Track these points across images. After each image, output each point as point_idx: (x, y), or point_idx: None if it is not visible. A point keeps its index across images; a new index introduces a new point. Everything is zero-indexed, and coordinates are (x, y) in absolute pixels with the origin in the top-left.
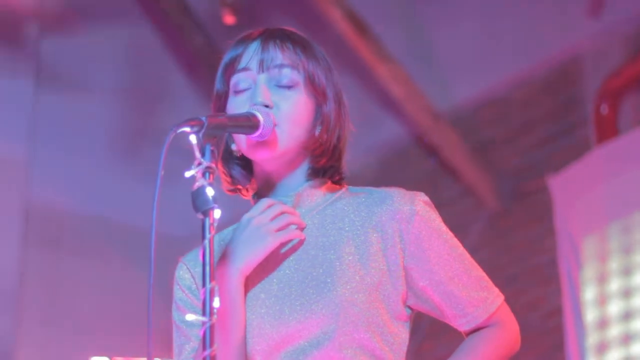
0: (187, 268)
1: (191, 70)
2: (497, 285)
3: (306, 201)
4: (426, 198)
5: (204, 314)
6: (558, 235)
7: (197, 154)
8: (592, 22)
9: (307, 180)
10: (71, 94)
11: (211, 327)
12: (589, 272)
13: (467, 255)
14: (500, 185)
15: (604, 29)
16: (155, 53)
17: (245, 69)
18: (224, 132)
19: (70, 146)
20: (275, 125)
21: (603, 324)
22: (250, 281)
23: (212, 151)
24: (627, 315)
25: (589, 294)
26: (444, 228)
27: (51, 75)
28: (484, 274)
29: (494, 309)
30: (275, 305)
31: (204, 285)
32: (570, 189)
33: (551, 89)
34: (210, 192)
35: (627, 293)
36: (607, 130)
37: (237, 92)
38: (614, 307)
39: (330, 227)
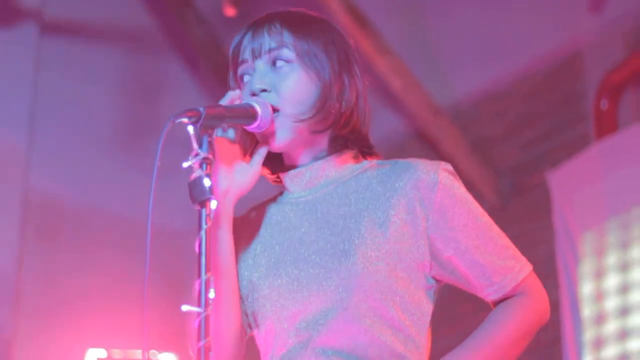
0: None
1: (192, 62)
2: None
3: (329, 172)
4: (450, 167)
5: (199, 304)
6: (556, 231)
7: (195, 145)
8: (593, 17)
9: (330, 153)
10: (71, 84)
11: (206, 318)
12: (586, 267)
13: (492, 224)
14: (499, 180)
15: (605, 23)
16: (156, 44)
17: (243, 61)
18: (222, 123)
19: (69, 137)
20: (277, 110)
21: (600, 319)
22: (271, 248)
23: (209, 142)
24: (624, 311)
25: (586, 289)
26: (468, 197)
27: (52, 66)
28: (510, 243)
29: (521, 277)
30: (293, 273)
31: (199, 276)
32: (569, 184)
33: (551, 83)
34: (207, 182)
35: (624, 289)
36: (607, 125)
37: (242, 85)
38: (611, 303)
39: (353, 197)
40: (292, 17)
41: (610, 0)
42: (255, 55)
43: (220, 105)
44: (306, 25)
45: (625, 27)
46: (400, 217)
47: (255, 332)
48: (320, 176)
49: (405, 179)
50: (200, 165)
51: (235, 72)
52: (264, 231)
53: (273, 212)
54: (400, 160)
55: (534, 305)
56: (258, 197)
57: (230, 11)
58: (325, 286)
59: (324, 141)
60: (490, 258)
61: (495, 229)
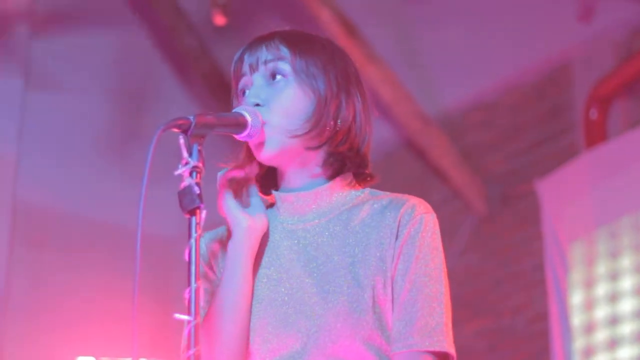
0: (204, 241)
1: (182, 71)
2: (483, 289)
3: (321, 202)
4: (433, 215)
5: (189, 313)
6: (545, 240)
7: (185, 154)
8: (582, 28)
9: (327, 180)
10: (61, 94)
11: (196, 327)
12: (576, 276)
13: (445, 292)
14: (488, 190)
15: (594, 34)
16: (145, 54)
17: (243, 75)
18: (212, 131)
19: (58, 147)
20: (264, 123)
21: (590, 328)
22: (260, 277)
23: (199, 151)
24: (613, 320)
25: (575, 298)
26: (439, 251)
27: (41, 76)
28: (449, 322)
29: (435, 349)
30: (279, 307)
31: (189, 284)
32: (558, 193)
33: (540, 93)
34: (196, 191)
35: (613, 298)
36: (597, 135)
37: (241, 100)
38: (601, 312)
39: (344, 234)
40: (292, 33)
41: (599, 11)
42: (253, 69)
43: (210, 114)
44: (305, 42)
45: (614, 37)
46: (377, 263)
47: None
48: (311, 205)
49: (389, 217)
50: (190, 174)
51: (236, 87)
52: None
53: (265, 235)
54: (396, 198)
55: None
56: None
57: (220, 20)
58: (305, 325)
59: (319, 159)
60: (422, 312)
61: (445, 298)
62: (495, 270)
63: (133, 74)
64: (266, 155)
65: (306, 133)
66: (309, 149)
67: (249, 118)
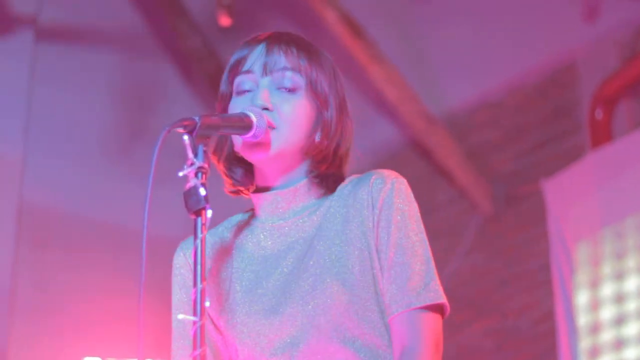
0: (183, 254)
1: (186, 72)
2: (488, 289)
3: (300, 199)
4: (404, 181)
5: (194, 313)
6: (551, 240)
7: (190, 154)
8: (587, 28)
9: (302, 179)
10: (66, 95)
11: (202, 327)
12: (581, 276)
13: (427, 250)
14: (493, 189)
15: (599, 34)
16: (150, 53)
17: (248, 71)
18: (217, 132)
19: (63, 147)
20: (273, 127)
21: (595, 328)
22: (246, 274)
23: (204, 151)
24: (619, 320)
25: (581, 298)
26: (413, 209)
27: (46, 76)
28: (433, 272)
29: (425, 303)
30: (268, 299)
31: (194, 285)
32: (564, 193)
33: (546, 93)
34: (202, 192)
35: (619, 298)
36: (602, 135)
37: (239, 93)
38: (607, 312)
39: (321, 225)
40: (307, 45)
41: (604, 11)
42: (266, 71)
43: (216, 114)
44: (318, 58)
45: (618, 37)
46: (360, 238)
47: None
48: (290, 202)
49: (364, 190)
50: (196, 175)
51: (232, 78)
52: (238, 256)
53: (246, 236)
54: (363, 174)
55: (432, 348)
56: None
57: (225, 21)
58: (298, 312)
59: (304, 173)
60: (412, 272)
61: (428, 254)
62: (500, 270)
63: (138, 75)
64: (263, 157)
65: (304, 144)
66: (298, 159)
67: (254, 119)
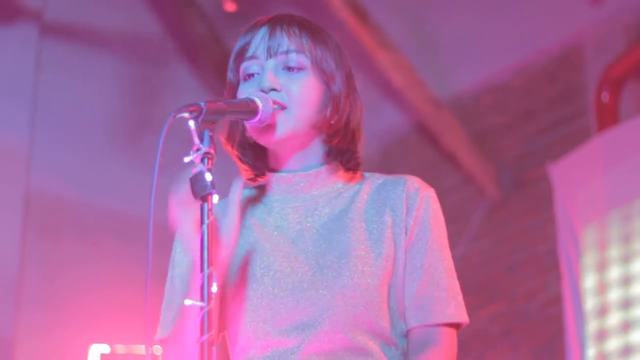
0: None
1: (193, 58)
2: (496, 274)
3: (322, 183)
4: (436, 195)
5: (201, 299)
6: (558, 224)
7: (196, 140)
8: (594, 10)
9: (322, 163)
10: (71, 82)
11: (209, 312)
12: (588, 260)
13: (454, 268)
14: (500, 174)
15: (605, 16)
16: (156, 40)
17: (253, 56)
18: (223, 117)
19: (70, 135)
20: (284, 107)
21: (603, 311)
22: (263, 251)
23: (210, 137)
24: (626, 303)
25: (588, 282)
26: (443, 226)
27: (52, 64)
28: (458, 289)
29: (449, 320)
30: (284, 278)
31: (202, 270)
32: (570, 177)
33: (552, 76)
34: (208, 177)
35: (626, 281)
36: (608, 118)
37: (245, 79)
38: (614, 295)
39: (344, 210)
40: (309, 24)
41: None
42: (270, 54)
43: (221, 100)
44: (321, 36)
45: (625, 20)
46: (390, 232)
47: (228, 331)
48: (312, 185)
49: (397, 192)
50: (202, 160)
51: (238, 65)
52: (255, 231)
53: (262, 212)
54: (394, 176)
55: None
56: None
57: (230, 7)
58: (316, 297)
59: (318, 150)
60: (438, 288)
61: (454, 272)
62: (508, 255)
63: (144, 63)
64: (277, 139)
65: (316, 122)
66: (312, 137)
67: (260, 104)
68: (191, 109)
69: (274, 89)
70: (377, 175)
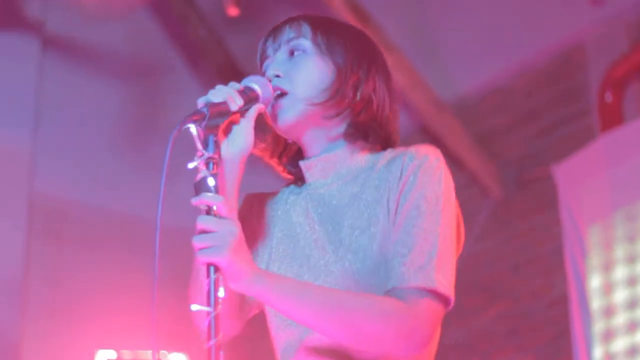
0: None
1: (195, 62)
2: (501, 274)
3: (342, 164)
4: (437, 157)
5: (208, 304)
6: (563, 224)
7: (199, 146)
8: (596, 10)
9: (345, 144)
10: (74, 86)
11: (216, 318)
12: (594, 260)
13: (443, 229)
14: (504, 174)
15: (608, 16)
16: (158, 44)
17: (267, 56)
18: (229, 116)
19: (74, 137)
20: (286, 93)
21: (609, 311)
22: (284, 241)
23: (215, 141)
24: (633, 303)
25: (594, 282)
26: (440, 187)
27: (56, 66)
28: (450, 256)
29: (428, 286)
30: (297, 267)
31: (208, 275)
32: (574, 177)
33: (555, 77)
34: (211, 182)
35: (632, 281)
36: (612, 118)
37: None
38: (620, 295)
39: (360, 193)
40: (315, 16)
41: None
42: (275, 48)
43: (222, 102)
44: (328, 22)
45: (628, 19)
46: (384, 211)
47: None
48: (331, 167)
49: (396, 162)
50: (206, 165)
51: (261, 68)
52: (281, 222)
53: (291, 203)
54: (400, 149)
55: (410, 321)
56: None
57: (233, 11)
58: (326, 281)
59: (339, 127)
60: (414, 248)
61: (442, 233)
62: (513, 255)
63: (147, 66)
64: (284, 123)
65: (324, 101)
66: (326, 117)
67: (259, 89)
68: (194, 117)
69: (277, 76)
70: (390, 150)
